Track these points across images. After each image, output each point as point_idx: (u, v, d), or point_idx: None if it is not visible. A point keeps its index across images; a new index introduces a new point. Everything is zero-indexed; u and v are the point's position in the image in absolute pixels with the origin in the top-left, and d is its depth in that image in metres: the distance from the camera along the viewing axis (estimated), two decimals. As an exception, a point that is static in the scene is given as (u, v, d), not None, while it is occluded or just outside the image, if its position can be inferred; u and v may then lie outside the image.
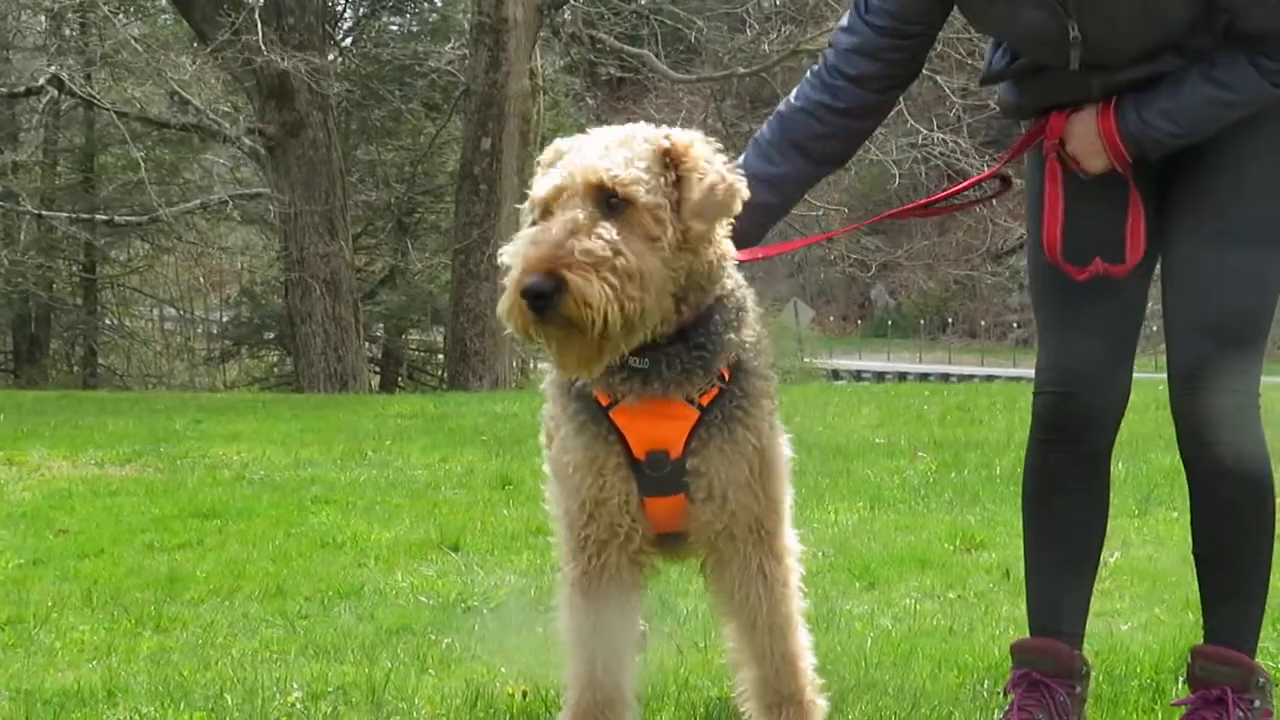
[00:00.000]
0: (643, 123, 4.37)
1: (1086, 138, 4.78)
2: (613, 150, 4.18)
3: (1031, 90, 5.00)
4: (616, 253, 3.98)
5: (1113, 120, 4.70)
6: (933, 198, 5.38)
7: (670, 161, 4.20)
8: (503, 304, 4.07)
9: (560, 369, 4.25)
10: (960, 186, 5.52)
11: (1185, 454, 4.91)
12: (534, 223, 4.18)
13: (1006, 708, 5.10)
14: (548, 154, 4.37)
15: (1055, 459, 5.11)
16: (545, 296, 3.92)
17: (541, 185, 4.21)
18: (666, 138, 4.25)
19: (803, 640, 4.71)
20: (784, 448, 4.66)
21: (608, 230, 4.01)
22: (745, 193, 4.29)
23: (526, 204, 4.32)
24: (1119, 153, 4.72)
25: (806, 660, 4.71)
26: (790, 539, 4.68)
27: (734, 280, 4.46)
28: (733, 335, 4.38)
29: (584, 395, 4.45)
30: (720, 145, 4.35)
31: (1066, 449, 5.08)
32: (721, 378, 4.39)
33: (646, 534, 4.57)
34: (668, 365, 4.31)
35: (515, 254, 4.04)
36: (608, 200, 4.08)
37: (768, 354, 4.54)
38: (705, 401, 4.38)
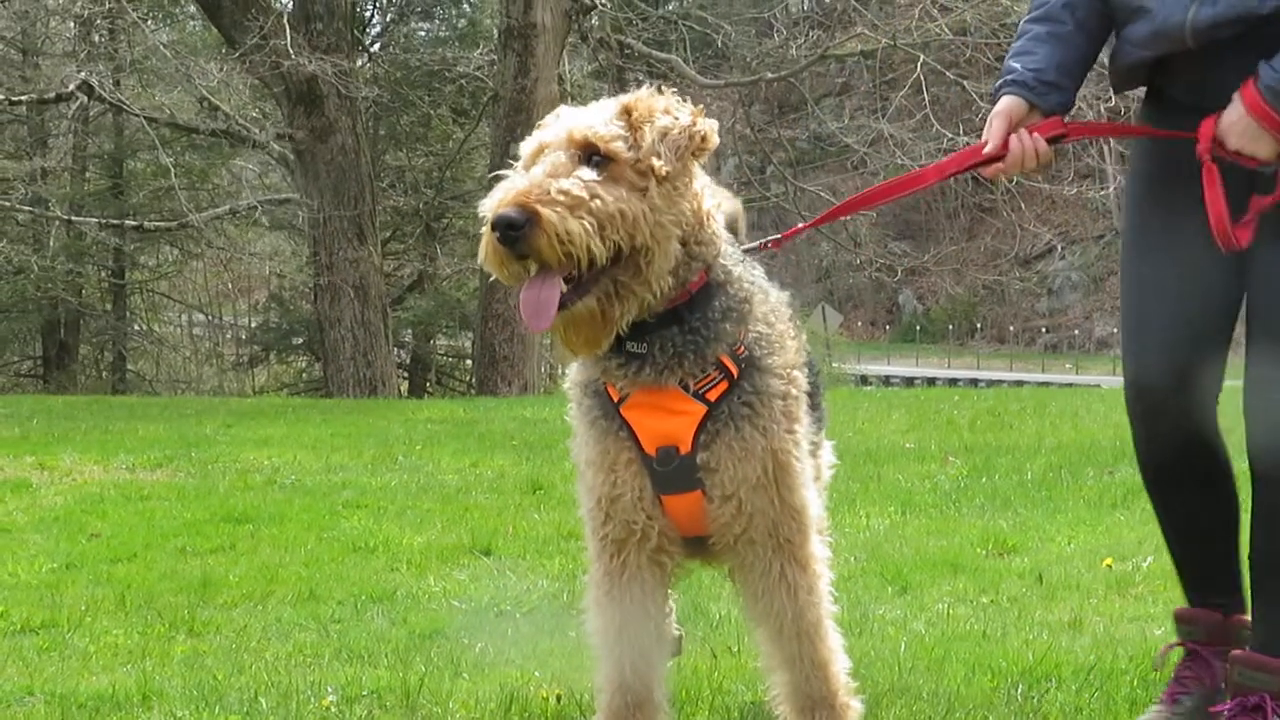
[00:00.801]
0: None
1: (1240, 126, 4.71)
2: (591, 112, 4.29)
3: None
4: (594, 195, 4.04)
5: (1253, 89, 4.64)
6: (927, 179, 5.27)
7: (632, 118, 4.25)
8: (483, 247, 4.11)
9: (565, 347, 4.28)
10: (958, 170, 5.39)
11: (1255, 456, 4.89)
12: None
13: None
14: (544, 121, 4.42)
15: (1159, 450, 5.08)
16: (516, 228, 3.97)
17: (526, 144, 4.31)
18: (621, 101, 4.31)
19: (833, 644, 4.68)
20: (807, 455, 4.64)
21: (587, 172, 4.08)
22: (713, 137, 4.33)
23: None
24: (1272, 119, 4.64)
25: (838, 664, 4.69)
26: (816, 546, 4.65)
27: (740, 271, 4.47)
28: (729, 325, 4.37)
29: (598, 392, 4.48)
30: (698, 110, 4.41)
31: (1164, 440, 5.05)
32: (727, 371, 4.38)
33: (668, 533, 4.56)
34: (660, 349, 4.32)
35: (493, 194, 4.11)
36: (590, 157, 4.14)
37: (790, 355, 4.53)
38: (713, 396, 4.37)
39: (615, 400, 4.45)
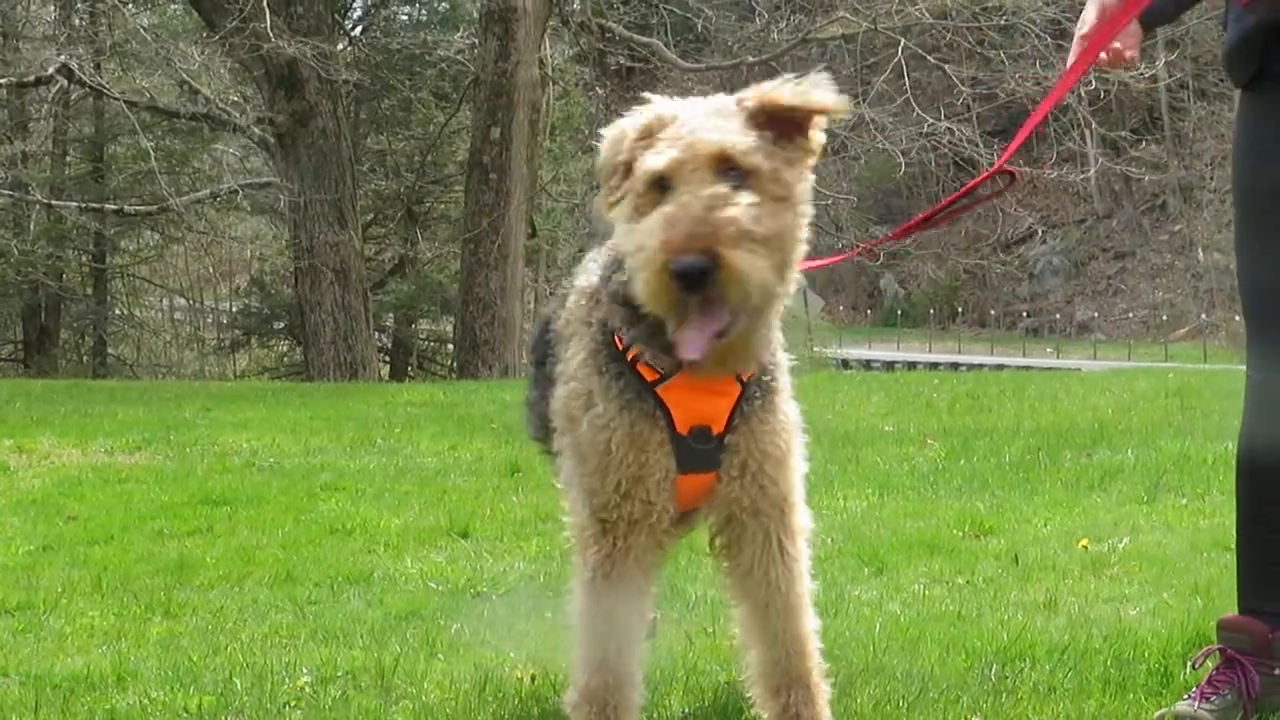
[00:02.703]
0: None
1: None
2: (721, 120, 4.06)
3: None
4: (757, 222, 3.88)
5: None
6: (937, 207, 5.27)
7: (765, 117, 4.10)
8: (646, 286, 3.90)
9: (724, 369, 4.24)
10: (968, 186, 5.39)
11: None
12: (640, 196, 4.04)
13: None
14: (645, 120, 4.15)
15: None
16: (705, 273, 3.79)
17: (656, 159, 4.01)
18: (740, 101, 4.14)
19: (812, 623, 4.68)
20: (798, 416, 4.64)
21: (746, 196, 3.90)
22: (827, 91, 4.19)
23: (612, 174, 4.17)
24: None
25: (814, 643, 4.68)
26: (804, 516, 4.64)
27: None
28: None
29: (626, 373, 4.37)
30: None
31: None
32: None
33: (673, 514, 4.56)
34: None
35: (652, 233, 3.88)
36: (728, 171, 3.94)
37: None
38: (747, 376, 4.37)
39: (651, 381, 4.36)
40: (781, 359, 4.48)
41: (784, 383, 4.48)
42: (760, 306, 3.98)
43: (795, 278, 4.08)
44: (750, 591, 4.64)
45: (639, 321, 4.22)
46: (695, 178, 3.90)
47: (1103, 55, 5.05)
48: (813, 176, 4.19)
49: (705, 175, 3.90)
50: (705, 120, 4.03)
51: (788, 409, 4.49)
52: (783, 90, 4.13)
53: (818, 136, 4.16)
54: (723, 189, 3.87)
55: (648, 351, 4.30)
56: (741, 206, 3.85)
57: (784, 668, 4.63)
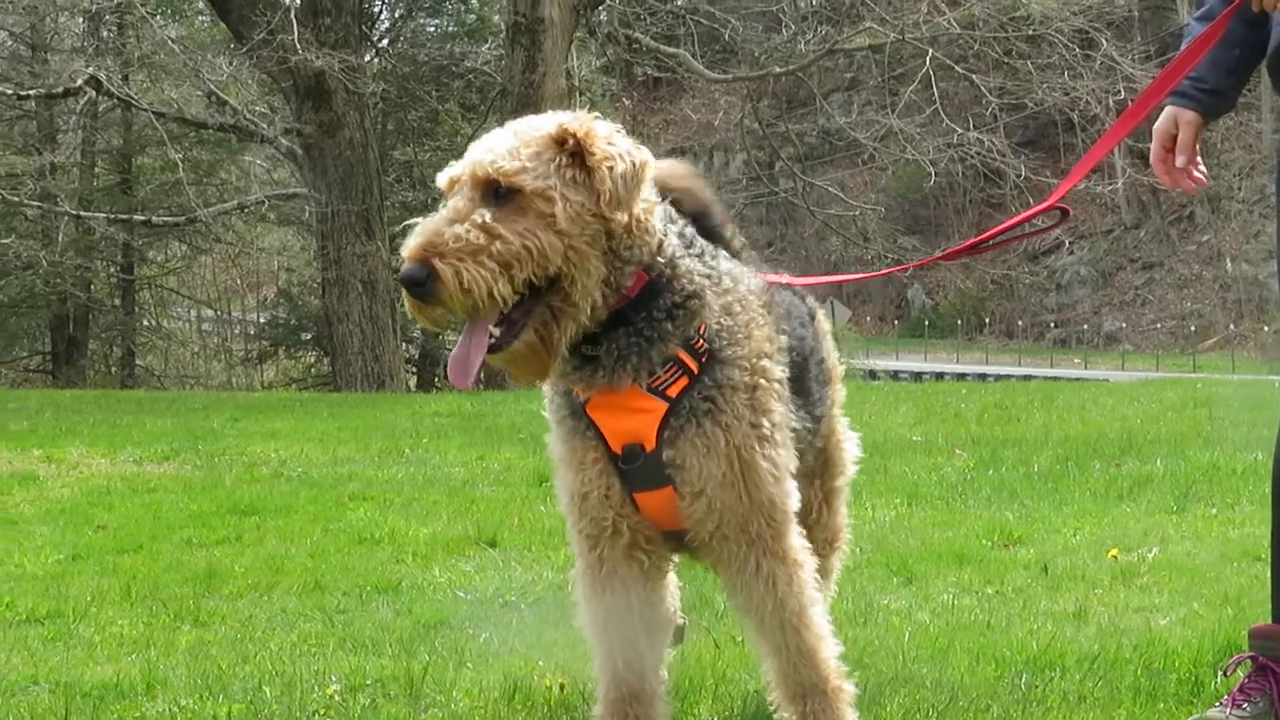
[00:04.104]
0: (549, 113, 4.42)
1: None
2: (502, 142, 4.28)
3: None
4: (495, 237, 4.08)
5: None
6: (985, 235, 5.24)
7: (569, 147, 4.24)
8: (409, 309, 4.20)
9: (517, 381, 4.40)
10: (1018, 219, 5.32)
11: None
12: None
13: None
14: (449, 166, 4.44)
15: None
16: (420, 284, 4.06)
17: (441, 177, 4.35)
18: (560, 125, 4.27)
19: (820, 631, 4.62)
20: (784, 444, 4.55)
21: (482, 216, 4.11)
22: (652, 163, 4.33)
23: None
24: None
25: (826, 650, 4.64)
26: (793, 538, 4.58)
27: (689, 265, 4.41)
28: (673, 324, 4.34)
29: (566, 392, 4.49)
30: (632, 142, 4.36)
31: None
32: (687, 368, 4.35)
33: (643, 530, 4.56)
34: (607, 351, 4.31)
35: (405, 242, 4.17)
36: (495, 191, 4.17)
37: (757, 343, 4.46)
38: (673, 393, 4.35)
39: (582, 399, 4.45)
40: (729, 379, 4.41)
41: (731, 407, 4.40)
42: (528, 312, 4.17)
43: (581, 289, 4.18)
44: (744, 609, 4.65)
45: None
46: (459, 193, 4.20)
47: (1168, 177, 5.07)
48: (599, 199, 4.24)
49: (468, 192, 4.18)
50: (488, 144, 4.30)
51: (737, 434, 4.41)
52: (613, 152, 4.24)
53: (601, 168, 4.21)
54: (462, 206, 4.14)
55: (565, 375, 4.42)
56: (473, 224, 4.09)
57: (795, 678, 4.62)
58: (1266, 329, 60.54)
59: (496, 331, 4.16)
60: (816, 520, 5.28)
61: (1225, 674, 5.33)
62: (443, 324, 4.24)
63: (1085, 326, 70.84)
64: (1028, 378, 43.61)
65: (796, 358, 4.69)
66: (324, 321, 34.71)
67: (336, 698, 5.65)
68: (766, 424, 4.45)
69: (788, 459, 4.56)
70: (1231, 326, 63.09)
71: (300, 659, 6.40)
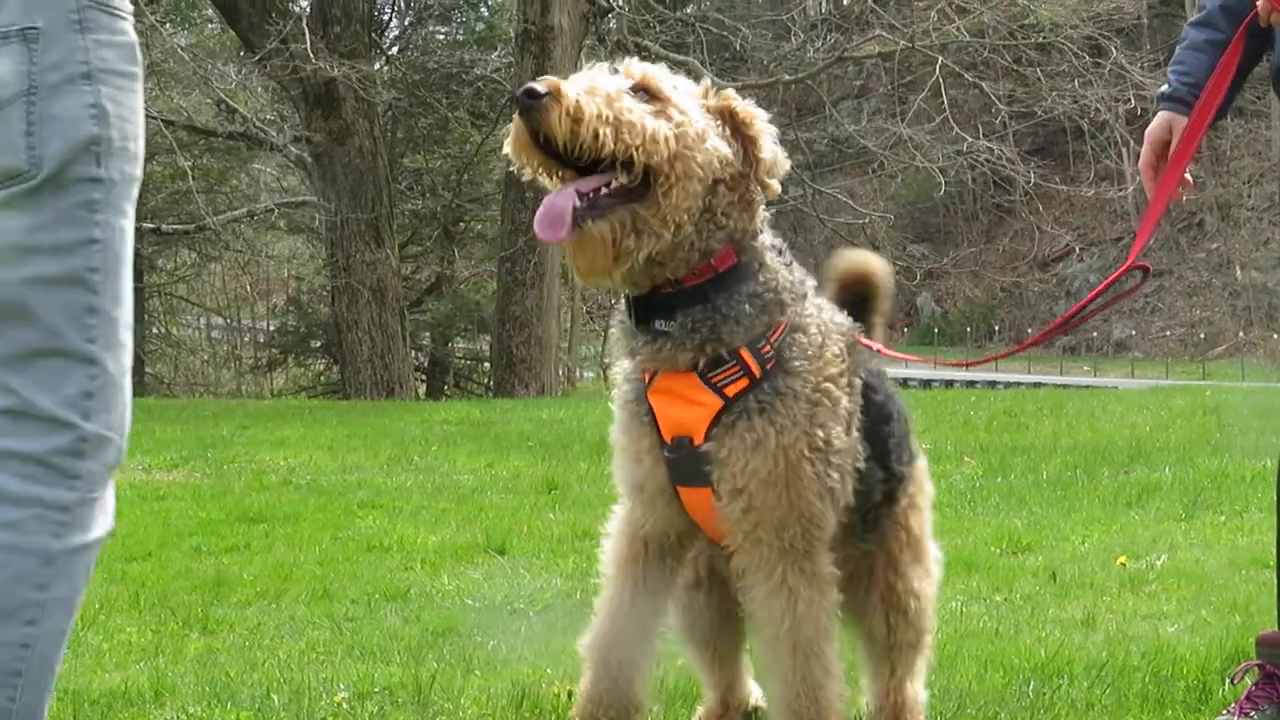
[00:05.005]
0: None
1: None
2: (666, 70, 4.30)
3: None
4: (621, 99, 4.07)
5: None
6: (1071, 312, 5.23)
7: (732, 120, 4.29)
8: (510, 134, 4.16)
9: (575, 271, 4.27)
10: (1099, 289, 5.28)
11: None
12: None
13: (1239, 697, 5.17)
14: None
15: None
16: (535, 96, 3.97)
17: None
18: (722, 94, 4.33)
19: (830, 667, 4.46)
20: (841, 469, 4.42)
21: (621, 82, 4.13)
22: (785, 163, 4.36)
23: None
24: None
25: (833, 688, 4.46)
26: (825, 564, 4.46)
27: (780, 269, 4.39)
28: (752, 310, 4.29)
29: (634, 379, 4.45)
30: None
31: None
32: (749, 370, 4.30)
33: (684, 526, 4.53)
34: (682, 325, 4.26)
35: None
36: (643, 90, 4.17)
37: (826, 366, 4.37)
38: (731, 392, 4.29)
39: (646, 380, 4.40)
40: (791, 388, 4.31)
41: (788, 411, 4.29)
42: (612, 204, 4.11)
43: (674, 203, 4.13)
44: (761, 624, 4.50)
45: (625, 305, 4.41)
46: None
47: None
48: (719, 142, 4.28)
49: (621, 76, 4.18)
50: (660, 68, 4.29)
51: (787, 436, 4.30)
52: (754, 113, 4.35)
53: (763, 136, 4.30)
54: (613, 81, 4.13)
55: (634, 347, 4.38)
56: (608, 80, 4.11)
57: (794, 709, 4.45)
58: (1276, 336, 60.51)
59: (579, 204, 4.07)
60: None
61: (1233, 681, 5.33)
62: (534, 162, 4.15)
63: (1095, 334, 70.85)
64: (1037, 385, 43.65)
65: (874, 403, 4.61)
66: (333, 329, 34.76)
67: (344, 705, 5.65)
68: (821, 436, 4.35)
69: (839, 483, 4.43)
70: (1241, 334, 63.08)
71: (308, 666, 6.39)
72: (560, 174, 4.15)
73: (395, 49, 45.55)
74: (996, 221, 74.61)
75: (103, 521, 3.52)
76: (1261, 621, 5.97)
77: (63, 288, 3.40)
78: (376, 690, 5.85)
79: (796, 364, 4.32)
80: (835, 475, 4.39)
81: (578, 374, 38.66)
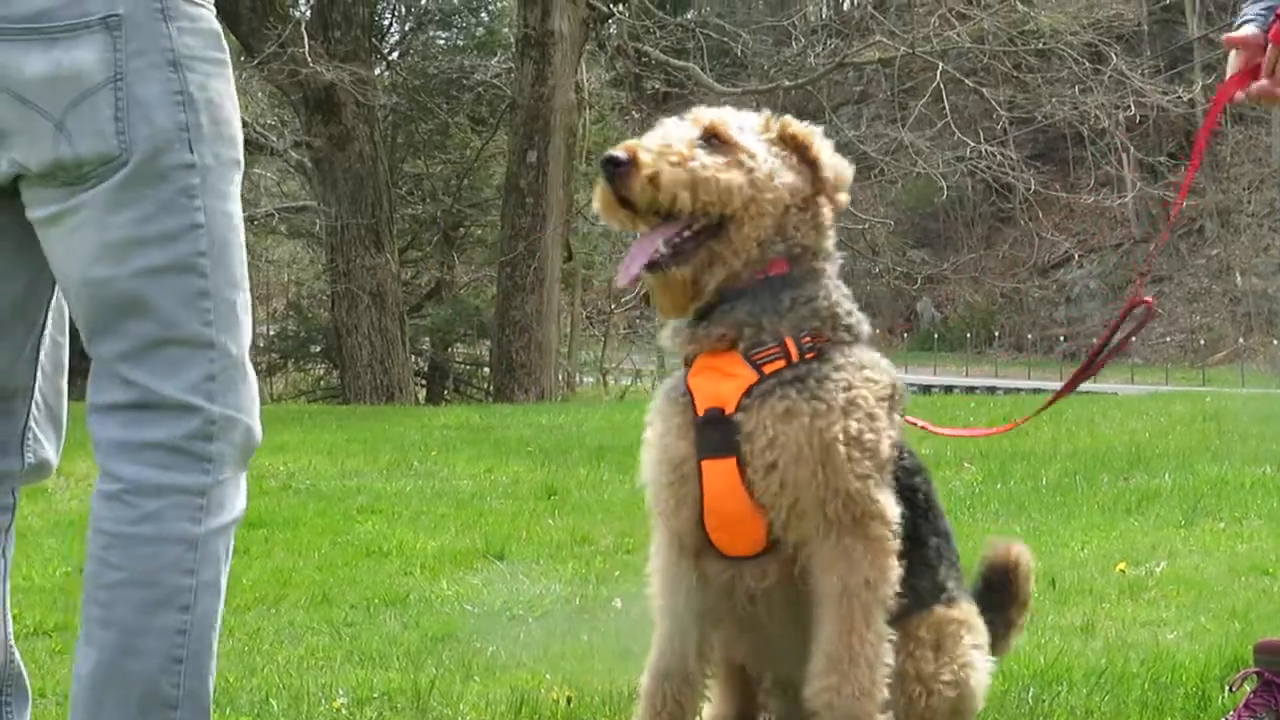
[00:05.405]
0: None
1: None
2: (737, 115, 4.53)
3: None
4: (695, 158, 4.30)
5: None
6: (1093, 353, 5.27)
7: (794, 145, 4.49)
8: (596, 194, 4.40)
9: (659, 309, 4.52)
10: (1108, 333, 5.28)
11: None
12: None
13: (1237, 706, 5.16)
14: None
15: None
16: (617, 164, 4.24)
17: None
18: (781, 121, 4.54)
19: (875, 627, 4.36)
20: (884, 484, 4.40)
21: (693, 143, 4.35)
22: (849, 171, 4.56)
23: None
24: None
25: (880, 671, 4.38)
26: (884, 534, 4.35)
27: (835, 291, 4.46)
28: (796, 310, 4.35)
29: (678, 372, 4.57)
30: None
31: None
32: (788, 353, 4.33)
33: (696, 516, 4.42)
34: (720, 310, 4.40)
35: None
36: (711, 138, 4.39)
37: (864, 385, 4.36)
38: (769, 370, 4.32)
39: (686, 362, 4.53)
40: (829, 376, 4.31)
41: (824, 392, 4.28)
42: (695, 248, 4.33)
43: (745, 236, 4.35)
44: (814, 581, 4.40)
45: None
46: (676, 128, 4.44)
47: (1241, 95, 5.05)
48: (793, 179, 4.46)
49: (689, 126, 4.43)
50: (725, 111, 4.54)
51: (821, 417, 4.26)
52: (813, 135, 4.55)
53: (822, 157, 4.50)
54: (683, 134, 4.38)
55: (678, 330, 4.55)
56: (680, 140, 4.35)
57: (828, 653, 4.35)
58: (1276, 342, 60.48)
59: (664, 250, 4.32)
60: None
61: (1232, 689, 5.33)
62: (621, 219, 4.38)
63: (1095, 340, 70.64)
64: (1037, 391, 43.58)
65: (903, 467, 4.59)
66: (333, 334, 34.71)
67: (343, 710, 5.65)
68: (857, 429, 4.32)
69: (877, 470, 4.39)
70: (1241, 340, 63.06)
71: (307, 672, 6.39)
72: (647, 221, 4.38)
73: (395, 54, 45.52)
74: (996, 227, 74.60)
75: (238, 502, 3.70)
76: (1261, 628, 5.99)
77: (173, 275, 3.51)
78: (375, 696, 5.85)
79: (839, 360, 4.38)
80: (869, 463, 4.34)
81: (577, 379, 38.59)
